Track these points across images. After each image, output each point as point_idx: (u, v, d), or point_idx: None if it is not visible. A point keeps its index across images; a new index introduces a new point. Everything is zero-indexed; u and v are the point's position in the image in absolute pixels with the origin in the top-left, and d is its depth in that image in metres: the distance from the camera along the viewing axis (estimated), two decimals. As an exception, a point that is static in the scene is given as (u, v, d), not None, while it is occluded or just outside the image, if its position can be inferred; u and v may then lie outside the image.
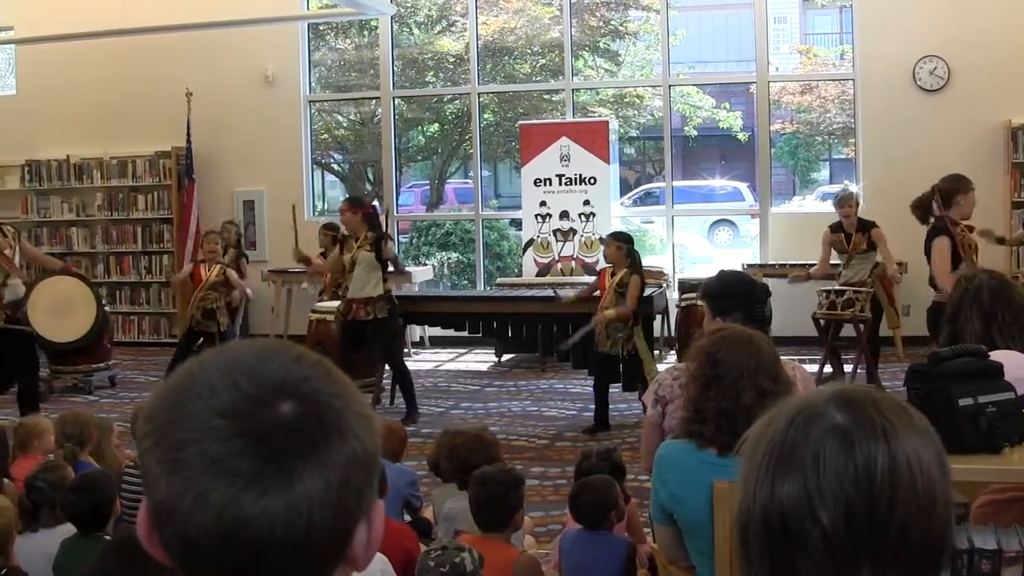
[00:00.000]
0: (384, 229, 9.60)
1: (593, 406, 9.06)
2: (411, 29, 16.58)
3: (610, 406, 9.04)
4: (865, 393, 1.37)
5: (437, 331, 12.19)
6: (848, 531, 1.27)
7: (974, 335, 4.09)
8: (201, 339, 10.34)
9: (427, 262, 15.51)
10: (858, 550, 1.27)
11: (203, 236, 11.03)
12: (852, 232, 9.89)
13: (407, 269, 12.06)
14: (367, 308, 9.29)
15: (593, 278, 11.87)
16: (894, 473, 1.28)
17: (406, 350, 11.26)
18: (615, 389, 9.09)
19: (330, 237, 11.43)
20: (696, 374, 3.76)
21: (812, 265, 10.47)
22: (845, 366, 10.20)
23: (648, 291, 9.61)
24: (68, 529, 4.33)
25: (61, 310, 9.03)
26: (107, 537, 4.27)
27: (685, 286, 11.56)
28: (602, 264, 12.08)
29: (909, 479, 1.28)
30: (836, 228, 10.04)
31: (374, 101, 15.31)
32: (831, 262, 10.19)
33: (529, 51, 16.80)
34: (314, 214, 13.84)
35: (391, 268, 9.71)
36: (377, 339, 9.38)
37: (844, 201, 10.05)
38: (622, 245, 8.76)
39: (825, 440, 1.30)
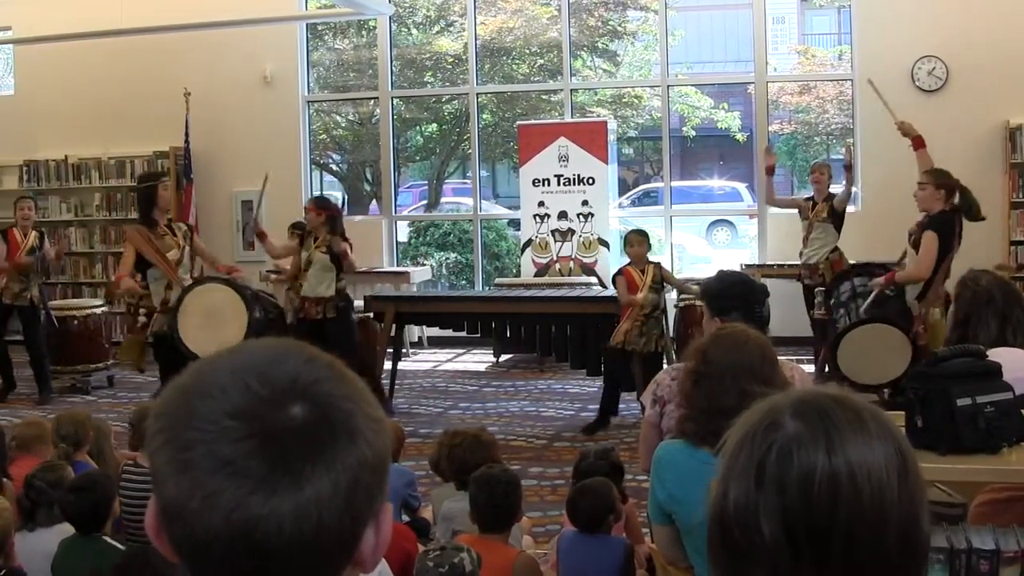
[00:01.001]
0: (341, 231, 9.64)
1: (595, 405, 9.05)
2: (409, 29, 16.58)
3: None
4: (822, 399, 1.36)
5: (435, 331, 12.19)
6: (788, 542, 1.27)
7: (989, 337, 4.10)
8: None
9: (425, 262, 15.50)
10: (799, 561, 1.27)
11: None
12: (819, 201, 10.06)
13: (359, 268, 11.95)
14: (318, 307, 9.37)
15: (591, 278, 11.91)
16: (834, 484, 1.27)
17: (404, 351, 11.24)
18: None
19: (298, 236, 11.48)
20: (688, 370, 3.78)
21: (808, 266, 10.50)
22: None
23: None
24: (67, 529, 4.33)
25: (211, 323, 8.53)
26: (105, 538, 4.28)
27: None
28: (601, 264, 12.14)
29: (851, 489, 1.27)
30: (808, 197, 10.31)
31: (372, 101, 15.30)
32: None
33: (527, 51, 16.80)
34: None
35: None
36: (335, 340, 9.26)
37: (816, 167, 10.26)
38: (644, 240, 8.82)
39: (771, 451, 1.30)
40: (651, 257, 9.02)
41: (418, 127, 18.30)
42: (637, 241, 8.89)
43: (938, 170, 8.53)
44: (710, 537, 1.35)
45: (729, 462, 1.34)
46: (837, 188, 10.26)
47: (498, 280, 13.75)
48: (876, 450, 1.30)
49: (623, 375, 8.84)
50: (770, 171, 10.49)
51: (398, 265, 14.01)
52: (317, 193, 14.56)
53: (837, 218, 10.05)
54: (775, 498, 1.28)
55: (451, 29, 16.37)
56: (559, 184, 12.50)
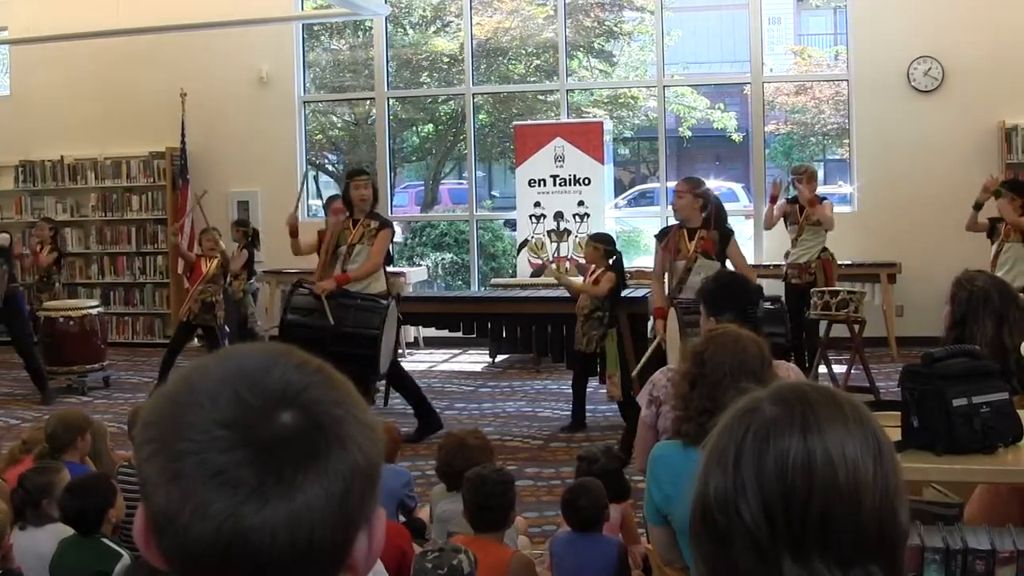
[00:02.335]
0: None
1: (591, 405, 9.10)
2: (405, 29, 16.58)
3: (602, 407, 9.06)
4: (799, 387, 1.39)
5: (431, 332, 12.18)
6: (767, 523, 1.28)
7: (985, 337, 4.10)
8: (198, 331, 10.44)
9: (421, 263, 15.51)
10: (778, 541, 1.29)
11: (201, 232, 11.07)
12: (806, 205, 10.02)
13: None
14: None
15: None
16: (808, 465, 1.29)
17: (401, 351, 11.23)
18: (601, 389, 9.12)
19: (241, 232, 11.54)
20: (684, 372, 3.79)
21: (797, 265, 10.50)
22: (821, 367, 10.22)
23: (641, 292, 9.59)
24: (62, 530, 4.34)
25: None
26: (104, 540, 4.28)
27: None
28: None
29: (827, 471, 1.29)
30: (792, 200, 10.20)
31: (369, 102, 15.29)
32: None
33: (523, 51, 16.80)
34: (308, 215, 13.81)
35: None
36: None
37: (800, 171, 10.17)
38: (599, 246, 8.75)
39: (747, 436, 1.32)
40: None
41: (414, 127, 18.30)
42: (586, 244, 9.09)
43: (695, 178, 8.46)
44: (693, 530, 1.37)
45: (709, 453, 1.36)
46: (822, 189, 10.26)
47: (494, 280, 13.75)
48: (852, 434, 1.32)
49: (581, 370, 8.99)
50: (773, 199, 10.47)
51: (394, 265, 13.99)
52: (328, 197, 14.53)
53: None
54: (752, 480, 1.30)
55: (447, 29, 16.37)
56: (555, 184, 12.50)
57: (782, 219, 10.38)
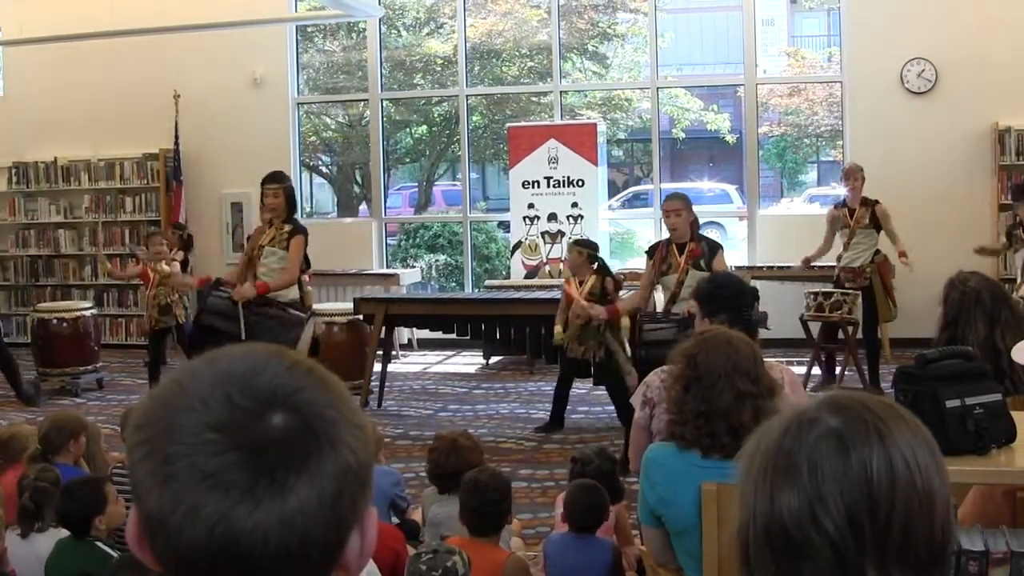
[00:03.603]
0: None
1: (584, 407, 9.05)
2: (399, 31, 16.58)
3: (595, 408, 9.05)
4: (855, 397, 1.39)
5: (425, 333, 12.17)
6: (853, 534, 1.28)
7: (977, 338, 4.11)
8: (168, 333, 10.37)
9: (415, 264, 15.50)
10: (864, 552, 1.28)
11: (148, 237, 11.09)
12: (855, 207, 9.80)
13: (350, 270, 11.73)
14: None
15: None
16: (891, 472, 1.29)
17: (394, 353, 11.22)
18: (600, 392, 9.09)
19: (177, 236, 11.52)
20: (677, 375, 3.78)
21: (851, 269, 10.43)
22: (837, 368, 10.22)
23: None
24: (58, 532, 4.33)
25: None
26: (97, 543, 4.27)
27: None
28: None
29: (907, 477, 1.29)
30: (840, 204, 10.00)
31: (362, 103, 15.29)
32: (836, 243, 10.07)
33: (517, 53, 16.81)
34: (302, 216, 13.80)
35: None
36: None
37: (851, 174, 9.94)
38: (583, 250, 8.54)
39: (820, 446, 1.31)
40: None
41: (408, 129, 18.30)
42: (569, 250, 8.85)
43: (683, 194, 8.48)
44: (754, 552, 1.34)
45: (764, 469, 1.34)
46: (817, 191, 10.16)
47: (488, 282, 13.75)
48: (919, 439, 1.33)
49: (569, 373, 8.82)
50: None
51: (387, 267, 14.00)
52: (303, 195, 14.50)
53: (876, 222, 9.82)
54: (834, 489, 1.29)
55: (441, 31, 16.37)
56: (549, 186, 12.49)
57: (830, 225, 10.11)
